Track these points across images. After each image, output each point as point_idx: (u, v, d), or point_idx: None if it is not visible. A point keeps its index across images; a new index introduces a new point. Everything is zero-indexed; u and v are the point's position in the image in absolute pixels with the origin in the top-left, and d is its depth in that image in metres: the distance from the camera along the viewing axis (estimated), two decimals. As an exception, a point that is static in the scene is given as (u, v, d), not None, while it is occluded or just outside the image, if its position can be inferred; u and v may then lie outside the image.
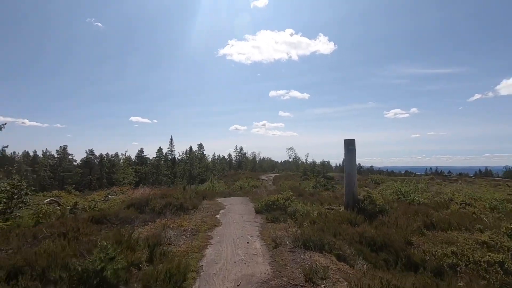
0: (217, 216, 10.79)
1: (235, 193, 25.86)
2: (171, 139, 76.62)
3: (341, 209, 11.25)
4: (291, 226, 8.76)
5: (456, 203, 12.86)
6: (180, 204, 11.12)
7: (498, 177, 70.13)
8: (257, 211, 11.52)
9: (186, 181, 56.66)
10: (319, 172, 30.17)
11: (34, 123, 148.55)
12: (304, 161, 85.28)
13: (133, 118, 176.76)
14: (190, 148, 77.40)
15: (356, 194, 11.09)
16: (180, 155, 72.98)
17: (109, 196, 14.62)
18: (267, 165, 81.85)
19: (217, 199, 18.44)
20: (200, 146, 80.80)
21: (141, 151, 74.88)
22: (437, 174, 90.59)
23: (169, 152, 77.02)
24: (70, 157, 72.30)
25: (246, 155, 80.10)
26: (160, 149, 77.93)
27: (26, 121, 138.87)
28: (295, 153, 78.86)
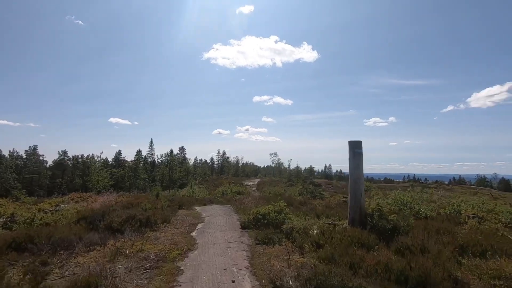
0: (193, 233, 8.45)
1: (217, 200, 23.40)
2: (151, 142, 73.00)
3: (344, 225, 9.19)
4: (289, 251, 6.57)
5: (468, 216, 11.14)
6: (147, 218, 8.68)
7: (471, 185, 71.23)
8: (244, 226, 9.27)
9: (163, 186, 53.33)
10: (305, 178, 28.19)
11: (5, 122, 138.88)
12: (287, 166, 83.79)
13: (112, 119, 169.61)
14: (171, 151, 73.89)
15: (364, 206, 9.06)
16: (159, 158, 69.45)
17: (61, 206, 11.91)
18: (250, 170, 79.51)
19: (196, 207, 16.02)
20: (182, 149, 77.55)
21: (119, 153, 70.73)
22: (414, 181, 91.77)
23: (149, 155, 73.29)
24: (41, 158, 67.12)
25: (229, 159, 77.59)
26: (139, 152, 74.01)
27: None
28: (278, 158, 77.15)
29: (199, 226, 9.57)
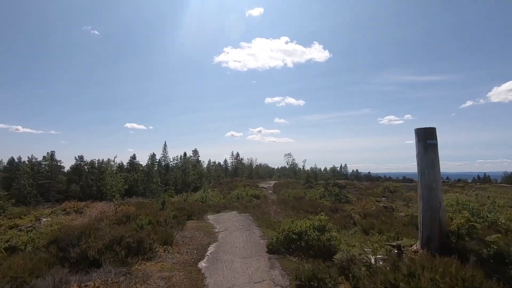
0: (202, 263, 5.87)
1: (232, 205, 20.83)
2: (165, 145, 71.34)
3: (415, 247, 6.42)
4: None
5: None
6: (139, 241, 6.16)
7: (498, 183, 66.16)
8: (271, 250, 6.61)
9: (177, 190, 51.26)
10: (328, 179, 25.30)
11: (28, 130, 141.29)
12: (301, 167, 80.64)
13: (128, 125, 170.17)
14: (184, 154, 72.11)
15: (444, 221, 6.25)
16: (173, 161, 67.68)
17: (43, 220, 9.60)
18: (263, 171, 76.78)
19: (208, 216, 13.50)
20: (195, 152, 75.60)
21: (133, 157, 69.46)
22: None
23: (163, 158, 71.69)
24: (58, 163, 66.54)
25: (243, 161, 75.09)
26: (153, 155, 72.65)
27: (19, 127, 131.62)
28: (293, 159, 74.08)
29: (211, 248, 7.00)
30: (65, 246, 5.97)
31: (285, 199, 22.59)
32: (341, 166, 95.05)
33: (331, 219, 11.58)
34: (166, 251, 6.54)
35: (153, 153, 71.97)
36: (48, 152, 65.21)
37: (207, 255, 6.36)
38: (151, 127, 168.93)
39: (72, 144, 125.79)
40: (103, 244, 5.77)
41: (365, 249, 6.68)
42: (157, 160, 71.43)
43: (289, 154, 73.14)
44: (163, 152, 70.85)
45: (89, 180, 53.64)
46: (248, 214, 12.95)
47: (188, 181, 59.14)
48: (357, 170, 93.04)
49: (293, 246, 6.30)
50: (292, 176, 67.51)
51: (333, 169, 23.35)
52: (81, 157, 68.09)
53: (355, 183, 34.99)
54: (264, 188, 36.79)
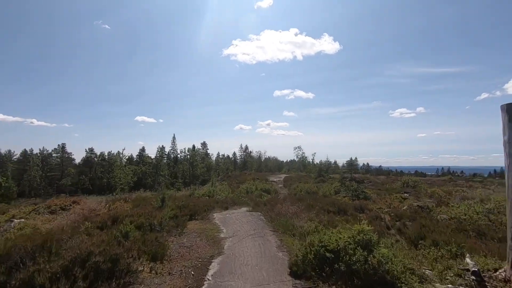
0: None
1: (241, 200, 19.08)
2: (174, 138, 70.09)
3: (503, 273, 4.46)
4: None
5: None
6: (114, 260, 4.38)
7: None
8: (296, 273, 4.75)
9: (185, 183, 49.94)
10: (344, 172, 23.24)
11: (43, 123, 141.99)
12: (311, 160, 78.42)
13: (138, 118, 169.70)
14: (193, 146, 70.79)
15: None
16: (182, 154, 66.41)
17: (14, 221, 7.94)
18: (273, 164, 74.91)
19: (214, 215, 11.75)
20: (204, 144, 74.17)
21: (143, 149, 68.55)
22: (449, 174, 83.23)
23: (172, 151, 70.58)
24: (69, 156, 66.14)
25: (252, 154, 73.33)
26: (162, 148, 71.61)
27: (34, 120, 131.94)
28: (303, 153, 71.87)
29: (214, 266, 5.20)
30: (12, 266, 4.24)
31: (299, 195, 20.74)
32: (351, 159, 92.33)
33: (353, 218, 9.67)
34: (153, 271, 4.76)
35: (162, 145, 70.94)
36: (59, 145, 64.75)
37: (207, 280, 4.55)
38: (161, 120, 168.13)
39: (85, 137, 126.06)
40: (61, 265, 4.02)
41: (426, 271, 4.77)
42: (166, 153, 70.41)
43: (299, 147, 70.99)
44: (172, 144, 69.65)
45: (98, 172, 52.81)
46: (259, 214, 11.12)
47: (196, 174, 57.82)
48: (367, 164, 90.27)
49: (328, 269, 4.42)
50: (302, 169, 65.51)
51: (350, 163, 21.28)
52: (91, 150, 67.54)
53: (370, 177, 32.79)
54: (274, 182, 34.97)
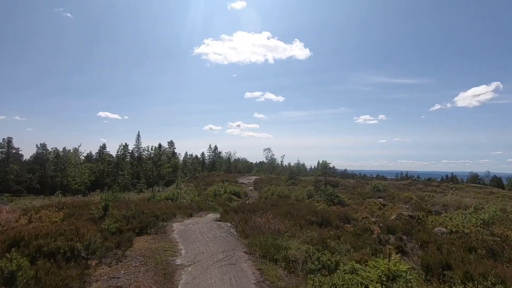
0: None
1: (208, 205, 16.78)
2: (138, 135, 64.98)
3: None
4: None
5: None
6: None
7: (465, 182, 66.68)
8: None
9: (149, 183, 46.04)
10: (318, 176, 21.92)
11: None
12: (280, 162, 77.69)
13: (101, 113, 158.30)
14: (159, 145, 66.35)
15: None
16: (146, 152, 61.77)
17: None
18: (242, 166, 72.74)
19: (174, 226, 9.48)
20: (171, 143, 69.97)
21: (103, 146, 62.88)
22: (408, 179, 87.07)
23: (136, 149, 65.63)
24: (16, 151, 58.69)
25: (221, 155, 70.57)
26: (125, 146, 66.41)
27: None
28: (272, 154, 70.84)
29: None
30: None
31: (271, 199, 18.93)
32: (318, 162, 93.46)
33: (344, 233, 8.00)
34: None
35: (125, 143, 65.80)
36: (4, 139, 57.16)
37: None
38: (126, 117, 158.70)
39: (40, 132, 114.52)
40: None
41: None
42: (129, 151, 65.42)
43: (269, 149, 69.93)
44: (136, 142, 64.78)
45: (50, 170, 47.02)
46: (230, 225, 9.04)
47: (161, 174, 53.97)
48: (334, 167, 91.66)
49: None
50: (272, 171, 64.43)
51: (324, 165, 19.97)
52: (43, 145, 60.59)
53: (341, 181, 32.08)
54: (244, 184, 32.98)
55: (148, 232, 7.82)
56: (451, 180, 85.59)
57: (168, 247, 6.54)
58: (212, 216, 13.10)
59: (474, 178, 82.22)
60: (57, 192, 15.24)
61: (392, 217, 9.94)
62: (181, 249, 6.41)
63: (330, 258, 4.95)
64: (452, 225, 8.30)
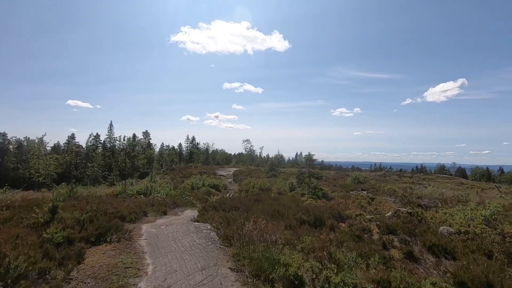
0: None
1: (185, 200, 15.23)
2: (111, 125, 60.95)
3: None
4: None
5: None
6: None
7: (434, 173, 69.48)
8: None
9: (123, 175, 43.17)
10: (302, 167, 20.98)
11: None
12: (258, 154, 76.81)
13: (71, 102, 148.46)
14: (133, 135, 62.83)
15: None
16: (120, 143, 58.19)
17: None
18: (221, 157, 70.88)
19: (144, 227, 7.96)
20: (146, 134, 66.51)
21: (72, 136, 58.39)
22: (381, 170, 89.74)
23: (108, 139, 61.71)
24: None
25: (199, 146, 68.18)
26: (96, 136, 62.27)
27: None
28: (251, 146, 69.57)
29: None
30: None
31: (252, 192, 17.66)
32: (296, 154, 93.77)
33: (342, 235, 6.91)
34: None
35: (97, 133, 61.69)
36: (-44, 127, 51.30)
37: None
38: (98, 106, 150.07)
39: (1, 120, 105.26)
40: None
41: None
42: (101, 142, 61.46)
43: (248, 140, 68.55)
44: (108, 132, 60.85)
45: (9, 162, 42.70)
46: (209, 227, 7.65)
47: (136, 166, 51.07)
48: (321, 160, 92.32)
49: None
50: (251, 162, 63.39)
51: (309, 157, 19.03)
52: (3, 134, 55.25)
53: (322, 172, 31.56)
54: (223, 176, 31.49)
55: (109, 239, 6.24)
56: (421, 171, 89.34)
57: (131, 262, 5.06)
58: (189, 213, 11.63)
59: (442, 169, 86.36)
60: (5, 187, 12.97)
61: (389, 214, 9.03)
62: (148, 264, 4.95)
63: (343, 278, 3.75)
64: (456, 223, 7.49)
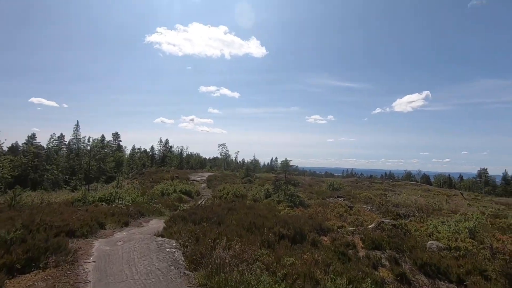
0: None
1: (152, 208, 13.82)
2: (77, 125, 56.72)
3: None
4: None
5: None
6: None
7: (401, 179, 72.30)
8: None
9: (90, 179, 39.80)
10: (278, 173, 20.22)
11: None
12: (234, 158, 75.45)
13: (34, 100, 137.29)
14: (102, 137, 58.99)
15: None
16: (86, 144, 54.21)
17: None
18: (195, 161, 68.47)
19: (96, 244, 6.65)
20: (116, 135, 62.72)
21: (32, 136, 53.64)
22: (353, 176, 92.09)
23: (74, 140, 57.41)
24: None
25: (172, 149, 65.46)
26: (60, 136, 57.85)
27: None
28: (227, 150, 68.05)
29: None
30: None
31: (226, 198, 16.54)
32: (271, 159, 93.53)
33: (326, 253, 6.11)
34: None
35: (61, 133, 57.38)
36: None
37: None
38: (65, 105, 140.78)
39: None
40: None
41: None
42: (66, 143, 57.15)
43: (223, 145, 67.03)
44: (74, 133, 56.67)
45: (-46, 163, 37.85)
46: (174, 244, 6.50)
47: (104, 169, 47.75)
48: (296, 166, 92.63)
49: None
50: (226, 167, 61.96)
51: (285, 163, 18.31)
52: (-50, 133, 49.40)
53: (297, 178, 31.09)
54: (196, 181, 29.94)
55: (43, 265, 4.92)
56: (390, 177, 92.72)
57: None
58: (155, 224, 10.32)
59: (409, 176, 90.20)
60: None
61: (372, 226, 8.41)
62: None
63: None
64: (443, 237, 7.00)
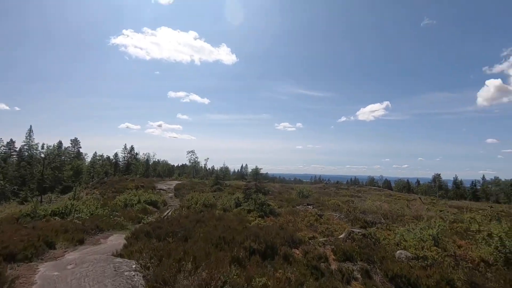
0: None
1: (113, 221, 12.73)
2: (30, 130, 51.83)
3: None
4: None
5: None
6: None
7: (366, 185, 75.69)
8: None
9: (45, 189, 36.29)
10: (248, 181, 19.90)
11: None
12: (203, 165, 73.86)
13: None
14: (59, 143, 54.55)
15: None
16: (40, 151, 49.72)
17: None
18: (162, 169, 65.80)
19: (41, 268, 5.77)
20: (75, 141, 58.35)
21: (-24, 143, 48.24)
22: (321, 182, 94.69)
23: (26, 147, 52.40)
24: None
25: (138, 156, 62.36)
26: (10, 142, 52.65)
27: None
28: (196, 157, 66.36)
29: None
30: None
31: (195, 208, 15.80)
32: (241, 166, 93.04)
33: (299, 269, 5.87)
34: None
35: (11, 139, 52.20)
36: None
37: None
38: (16, 108, 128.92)
39: None
40: None
41: None
42: (17, 149, 52.10)
43: (193, 151, 65.26)
44: (26, 139, 51.77)
45: None
46: (134, 266, 5.85)
47: (60, 178, 43.95)
48: (267, 173, 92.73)
49: None
50: (195, 174, 60.29)
51: (256, 171, 18.07)
52: None
53: (267, 185, 31.00)
54: (163, 190, 28.53)
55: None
56: (355, 183, 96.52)
57: None
58: (114, 241, 9.42)
59: (372, 182, 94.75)
60: None
61: (342, 236, 8.38)
62: None
63: None
64: (410, 245, 7.12)
